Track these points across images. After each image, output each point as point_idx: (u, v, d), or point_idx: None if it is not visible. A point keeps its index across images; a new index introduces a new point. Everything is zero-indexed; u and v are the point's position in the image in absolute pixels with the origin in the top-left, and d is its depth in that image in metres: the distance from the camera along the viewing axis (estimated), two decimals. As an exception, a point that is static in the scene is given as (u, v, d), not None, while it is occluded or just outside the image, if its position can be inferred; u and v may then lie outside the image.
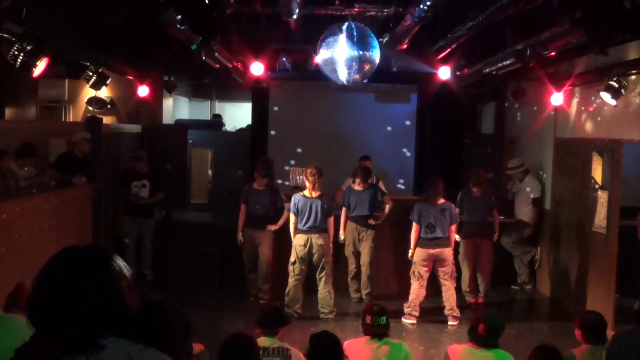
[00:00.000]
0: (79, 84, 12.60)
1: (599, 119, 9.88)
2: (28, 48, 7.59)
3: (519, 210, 11.08)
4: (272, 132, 13.28)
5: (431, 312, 9.34)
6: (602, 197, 8.81)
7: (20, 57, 7.61)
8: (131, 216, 10.91)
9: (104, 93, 12.77)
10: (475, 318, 5.46)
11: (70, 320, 1.99)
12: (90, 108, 12.92)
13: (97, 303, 2.01)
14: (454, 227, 9.23)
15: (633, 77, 8.74)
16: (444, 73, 10.86)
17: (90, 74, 11.02)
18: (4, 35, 7.38)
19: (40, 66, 8.09)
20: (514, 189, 11.32)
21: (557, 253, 10.46)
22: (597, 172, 9.02)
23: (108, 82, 11.61)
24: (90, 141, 10.25)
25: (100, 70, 11.04)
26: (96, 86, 11.37)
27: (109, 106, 13.08)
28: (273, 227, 9.66)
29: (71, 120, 13.18)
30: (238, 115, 17.70)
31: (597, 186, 8.99)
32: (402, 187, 13.02)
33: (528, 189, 11.01)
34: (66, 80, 12.87)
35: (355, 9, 8.24)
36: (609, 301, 8.50)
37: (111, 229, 11.06)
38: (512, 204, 11.20)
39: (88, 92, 12.64)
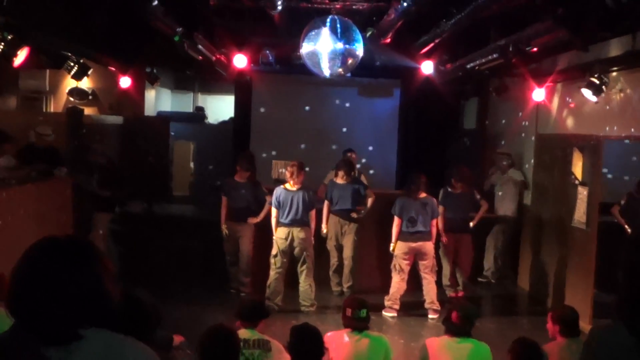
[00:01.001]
0: (60, 75, 12.52)
1: (580, 115, 9.96)
2: (9, 38, 7.54)
3: (503, 206, 11.11)
4: (255, 125, 13.25)
5: (412, 305, 9.37)
6: (582, 192, 8.87)
7: (1, 47, 7.55)
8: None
9: (86, 84, 12.70)
10: (449, 308, 5.58)
11: (50, 311, 1.98)
12: (72, 99, 12.85)
13: (77, 294, 2.00)
14: (435, 222, 9.27)
15: (614, 74, 8.81)
16: (427, 68, 10.88)
17: (72, 64, 10.93)
18: (-15, 24, 7.33)
19: (21, 56, 8.03)
20: (493, 178, 11.34)
21: (537, 248, 10.52)
22: (578, 167, 9.08)
23: (89, 72, 11.53)
24: (42, 137, 10.17)
25: (81, 60, 10.96)
26: (77, 77, 11.29)
27: (90, 97, 13.01)
28: (254, 220, 9.65)
29: (52, 111, 13.09)
30: (221, 108, 17.67)
31: (577, 182, 9.06)
32: (385, 181, 13.04)
33: (513, 179, 11.08)
34: (47, 71, 12.78)
35: (339, 3, 8.25)
36: (588, 296, 8.56)
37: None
38: (492, 198, 11.19)
39: (69, 83, 12.57)
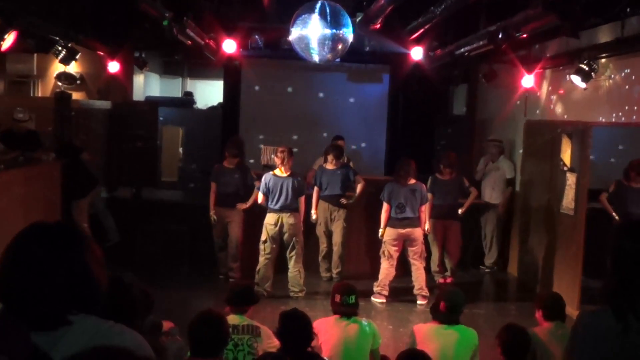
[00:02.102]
0: (48, 59, 12.43)
1: (568, 101, 9.98)
2: (-4, 21, 7.47)
3: (490, 194, 11.09)
4: (244, 110, 13.21)
5: (400, 291, 9.40)
6: (571, 179, 8.90)
7: (-12, 31, 7.49)
8: None
9: (74, 68, 12.60)
10: (437, 297, 5.62)
11: (38, 297, 1.97)
12: (60, 83, 12.75)
13: (65, 279, 1.99)
14: (424, 208, 9.27)
15: (603, 60, 8.82)
16: (417, 54, 10.86)
17: (60, 48, 10.83)
18: (-29, 8, 7.25)
19: (9, 40, 7.97)
20: (486, 168, 11.33)
21: (525, 234, 10.56)
22: (566, 154, 9.11)
23: (77, 57, 11.43)
24: (18, 123, 10.09)
25: (69, 45, 10.87)
26: (65, 61, 11.18)
27: (78, 82, 12.92)
28: (243, 206, 9.63)
29: (40, 95, 13.01)
30: (209, 93, 17.59)
31: (565, 168, 9.08)
32: (373, 167, 13.04)
33: (503, 170, 11.08)
34: (35, 55, 12.68)
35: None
36: (576, 282, 8.60)
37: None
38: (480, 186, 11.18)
39: (57, 67, 12.47)
